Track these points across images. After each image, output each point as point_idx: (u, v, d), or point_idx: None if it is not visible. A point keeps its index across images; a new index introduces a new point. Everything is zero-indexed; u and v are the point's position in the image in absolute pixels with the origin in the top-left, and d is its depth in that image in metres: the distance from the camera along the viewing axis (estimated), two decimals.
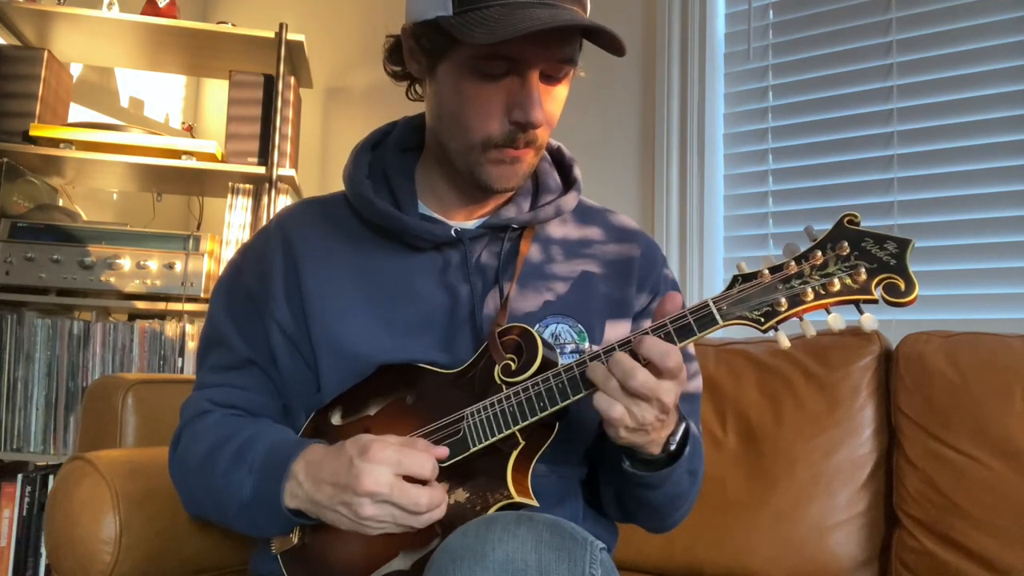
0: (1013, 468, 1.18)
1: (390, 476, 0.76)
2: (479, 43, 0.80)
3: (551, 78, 0.86)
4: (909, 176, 1.69)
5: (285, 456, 0.84)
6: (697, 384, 1.03)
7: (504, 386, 0.83)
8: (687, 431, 0.86)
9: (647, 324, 0.79)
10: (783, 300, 0.75)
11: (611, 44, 0.83)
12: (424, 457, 0.78)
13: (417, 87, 0.98)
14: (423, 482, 0.78)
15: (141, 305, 2.01)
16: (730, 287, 0.78)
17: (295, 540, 0.89)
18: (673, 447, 0.84)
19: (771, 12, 1.88)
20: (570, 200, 0.99)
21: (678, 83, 1.92)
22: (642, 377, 0.73)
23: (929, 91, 1.68)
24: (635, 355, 0.76)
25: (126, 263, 1.97)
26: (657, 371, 0.74)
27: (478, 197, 0.97)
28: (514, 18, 0.78)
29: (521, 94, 0.84)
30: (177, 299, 1.99)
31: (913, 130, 1.69)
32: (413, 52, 0.91)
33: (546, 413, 0.80)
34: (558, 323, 0.94)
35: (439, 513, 0.79)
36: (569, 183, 1.02)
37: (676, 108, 1.91)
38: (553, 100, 0.88)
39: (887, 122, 1.72)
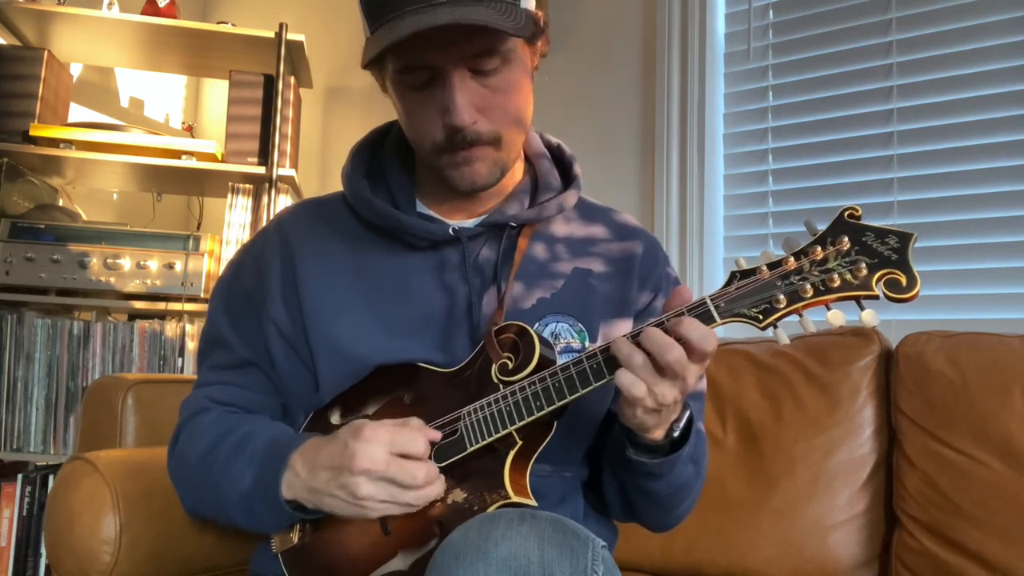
0: (1013, 468, 1.18)
1: (384, 453, 0.77)
2: (362, 64, 0.85)
3: (479, 72, 0.86)
4: (909, 176, 1.68)
5: (284, 448, 0.85)
6: (703, 383, 1.03)
7: (501, 385, 0.82)
8: (690, 419, 0.86)
9: (650, 322, 0.78)
10: (782, 297, 0.74)
11: (500, 31, 0.82)
12: (416, 434, 0.79)
13: None
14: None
15: (141, 305, 2.01)
16: (728, 284, 0.76)
17: (295, 540, 0.89)
18: (676, 433, 0.84)
19: (771, 12, 1.88)
20: (569, 198, 0.99)
21: (678, 83, 1.91)
22: (677, 353, 0.73)
23: (929, 91, 1.68)
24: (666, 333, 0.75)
25: (126, 263, 1.97)
26: (689, 351, 0.74)
27: (470, 196, 0.96)
28: (393, 31, 0.80)
29: (444, 98, 0.85)
30: (177, 299, 1.99)
31: (913, 130, 1.69)
32: (372, 71, 0.94)
33: (543, 413, 0.80)
34: (558, 322, 0.93)
35: (436, 490, 0.80)
36: (569, 180, 1.02)
37: (676, 108, 1.91)
38: (493, 91, 0.87)
39: (887, 122, 1.72)
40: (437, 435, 0.82)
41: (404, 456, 0.78)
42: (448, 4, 0.80)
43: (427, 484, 0.78)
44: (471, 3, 0.81)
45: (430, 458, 0.81)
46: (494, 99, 0.87)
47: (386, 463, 0.77)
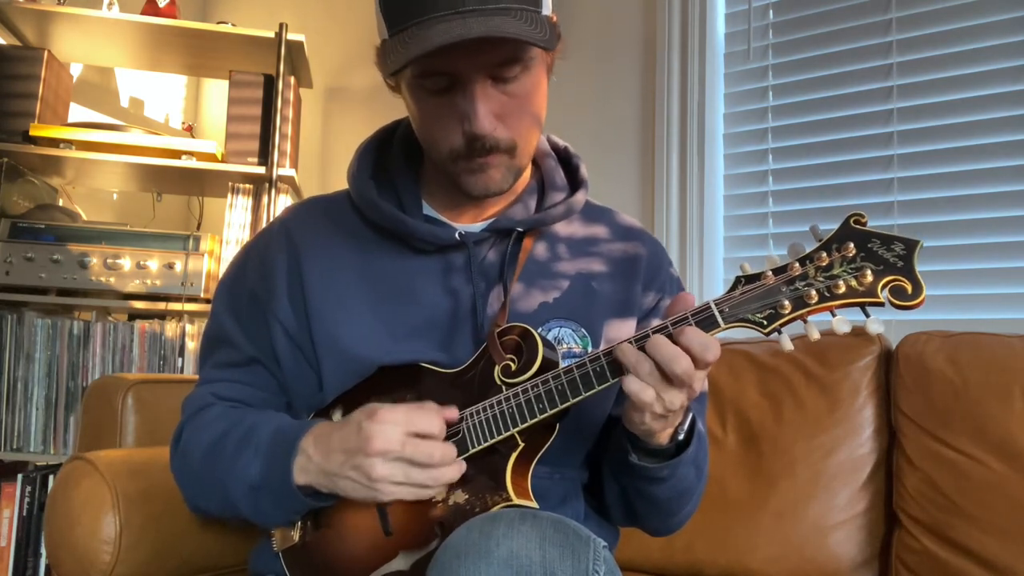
0: (1013, 468, 1.18)
1: (400, 434, 0.76)
2: (387, 72, 0.83)
3: (500, 80, 0.84)
4: (909, 176, 1.69)
5: (293, 434, 0.84)
6: (704, 384, 1.03)
7: (504, 387, 0.82)
8: (693, 423, 0.86)
9: (655, 323, 0.78)
10: (786, 302, 0.74)
11: (527, 43, 0.80)
12: (432, 415, 0.79)
13: None
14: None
15: (141, 305, 2.01)
16: (732, 288, 0.76)
17: (296, 538, 0.89)
18: (681, 437, 0.84)
19: (771, 12, 1.88)
20: (577, 201, 0.98)
21: (678, 83, 1.92)
22: (685, 364, 0.73)
23: (929, 91, 1.68)
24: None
25: (126, 263, 1.97)
26: (693, 359, 0.74)
27: (478, 200, 0.96)
28: (420, 38, 0.78)
29: (464, 106, 0.84)
30: (177, 299, 1.99)
31: (913, 130, 1.69)
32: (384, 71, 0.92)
33: (545, 415, 0.80)
34: (561, 326, 0.93)
35: (453, 473, 0.79)
36: (576, 183, 1.01)
37: (676, 108, 1.91)
38: (513, 97, 0.86)
39: (887, 122, 1.72)
40: (454, 414, 0.82)
41: (420, 436, 0.78)
42: (475, 13, 0.78)
43: (443, 464, 0.78)
44: (498, 12, 0.79)
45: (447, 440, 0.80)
46: (513, 105, 0.86)
47: (401, 443, 0.76)
